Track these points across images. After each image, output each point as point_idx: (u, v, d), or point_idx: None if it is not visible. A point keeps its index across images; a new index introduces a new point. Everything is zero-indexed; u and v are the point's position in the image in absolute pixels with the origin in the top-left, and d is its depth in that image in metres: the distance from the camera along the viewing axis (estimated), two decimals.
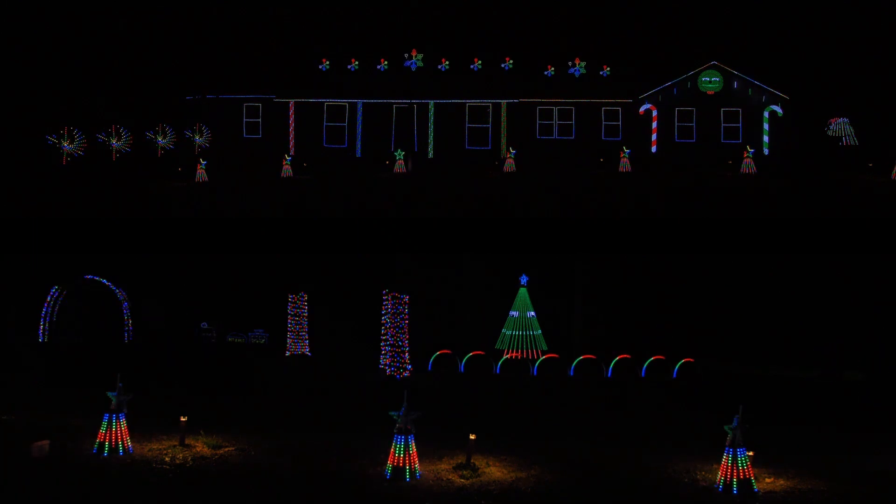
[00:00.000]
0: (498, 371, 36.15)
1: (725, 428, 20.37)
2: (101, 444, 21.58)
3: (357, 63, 46.02)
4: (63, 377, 32.93)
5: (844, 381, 35.59)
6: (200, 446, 22.61)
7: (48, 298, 40.75)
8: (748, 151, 39.22)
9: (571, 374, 35.57)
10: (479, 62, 45.67)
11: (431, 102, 44.51)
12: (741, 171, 38.96)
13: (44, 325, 40.77)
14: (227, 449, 22.63)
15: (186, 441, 22.73)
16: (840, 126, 43.76)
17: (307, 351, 39.19)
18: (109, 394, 22.02)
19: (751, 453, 20.41)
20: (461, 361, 36.33)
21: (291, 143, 44.76)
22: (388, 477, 20.24)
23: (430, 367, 36.09)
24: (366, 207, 30.35)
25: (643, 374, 35.67)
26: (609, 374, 35.42)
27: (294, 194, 33.56)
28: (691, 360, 35.81)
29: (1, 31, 44.13)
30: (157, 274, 41.91)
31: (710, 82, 43.28)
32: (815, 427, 27.47)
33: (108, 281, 41.52)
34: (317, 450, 22.79)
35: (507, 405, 30.30)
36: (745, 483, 19.97)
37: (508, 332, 38.18)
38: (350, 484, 19.94)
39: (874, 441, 25.58)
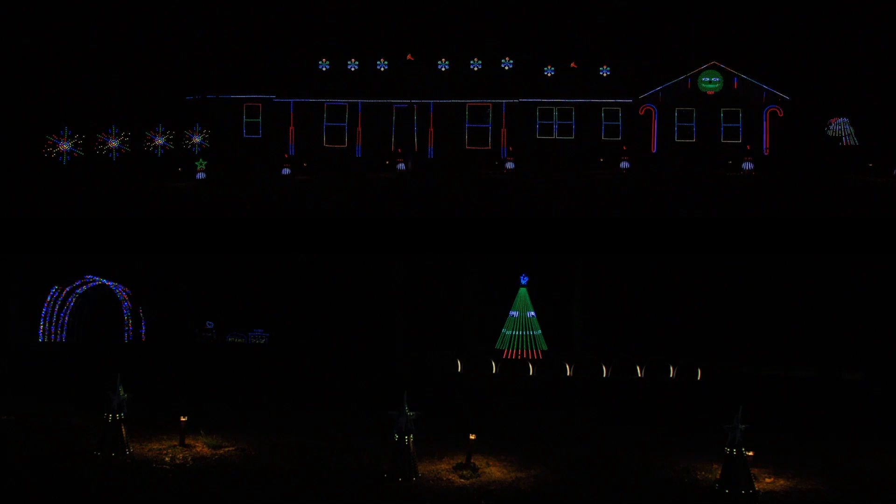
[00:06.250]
0: (496, 371, 36.15)
1: (725, 428, 20.37)
2: (101, 444, 21.57)
3: (357, 63, 46.02)
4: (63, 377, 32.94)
5: (844, 381, 35.58)
6: (200, 446, 22.60)
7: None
8: (748, 151, 39.24)
9: (571, 374, 35.56)
10: (479, 61, 45.66)
11: (431, 102, 44.51)
12: (741, 171, 38.97)
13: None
14: (227, 449, 22.63)
15: (186, 441, 22.73)
16: (840, 126, 43.75)
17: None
18: (109, 394, 22.01)
19: (750, 453, 20.41)
20: (460, 361, 36.33)
21: (291, 143, 44.75)
22: (388, 477, 20.24)
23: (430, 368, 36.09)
24: (366, 207, 30.35)
25: (643, 375, 35.65)
26: (608, 375, 35.40)
27: (294, 194, 33.56)
28: (692, 360, 35.79)
29: (1, 30, 44.10)
30: (158, 274, 41.88)
31: (710, 82, 43.27)
32: (815, 427, 27.46)
33: (107, 280, 41.52)
34: (317, 450, 22.79)
35: (507, 405, 30.29)
36: (744, 483, 19.96)
37: (508, 332, 38.15)
38: (350, 483, 19.94)
39: (873, 441, 25.58)
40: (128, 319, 41.81)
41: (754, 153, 39.85)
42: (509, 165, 40.67)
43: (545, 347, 37.89)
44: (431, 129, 44.45)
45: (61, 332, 41.08)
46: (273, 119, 45.18)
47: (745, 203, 31.00)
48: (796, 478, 21.29)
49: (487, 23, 49.12)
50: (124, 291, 41.86)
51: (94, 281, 41.13)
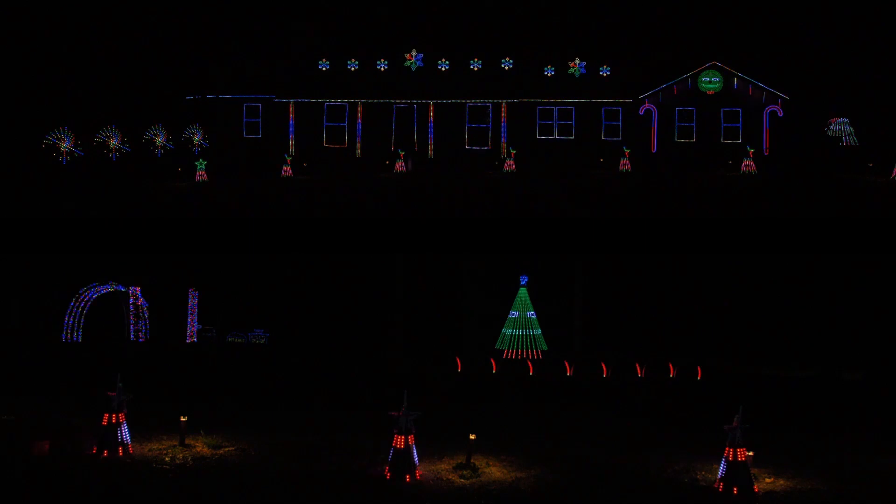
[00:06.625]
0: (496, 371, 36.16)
1: (725, 428, 20.37)
2: (101, 444, 21.57)
3: (357, 63, 46.00)
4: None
5: (844, 381, 35.59)
6: (200, 446, 22.61)
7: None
8: (748, 151, 39.24)
9: (571, 374, 35.58)
10: (479, 61, 45.64)
11: (431, 102, 44.50)
12: (741, 170, 38.98)
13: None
14: (227, 449, 22.63)
15: (186, 441, 22.73)
16: (840, 126, 43.74)
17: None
18: (109, 394, 22.01)
19: (751, 453, 20.42)
20: (460, 361, 36.34)
21: (291, 143, 44.74)
22: (388, 477, 20.24)
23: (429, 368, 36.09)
24: (366, 207, 30.35)
25: (643, 374, 35.66)
26: (608, 375, 35.41)
27: (294, 194, 33.55)
28: (692, 360, 35.82)
29: (1, 30, 44.12)
30: (158, 274, 41.89)
31: (710, 82, 43.27)
32: (815, 427, 27.47)
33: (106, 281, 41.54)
34: (317, 450, 22.79)
35: (507, 405, 30.30)
36: (744, 483, 19.96)
37: (508, 332, 38.16)
38: (350, 484, 19.94)
39: (874, 441, 25.59)
40: (128, 319, 41.81)
41: (756, 154, 39.83)
42: (509, 165, 40.66)
43: (545, 347, 37.90)
44: (431, 130, 44.44)
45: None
46: (273, 119, 45.15)
47: (745, 203, 31.00)
48: (796, 478, 21.30)
49: (487, 23, 49.11)
50: (125, 291, 41.86)
51: (95, 283, 41.18)
